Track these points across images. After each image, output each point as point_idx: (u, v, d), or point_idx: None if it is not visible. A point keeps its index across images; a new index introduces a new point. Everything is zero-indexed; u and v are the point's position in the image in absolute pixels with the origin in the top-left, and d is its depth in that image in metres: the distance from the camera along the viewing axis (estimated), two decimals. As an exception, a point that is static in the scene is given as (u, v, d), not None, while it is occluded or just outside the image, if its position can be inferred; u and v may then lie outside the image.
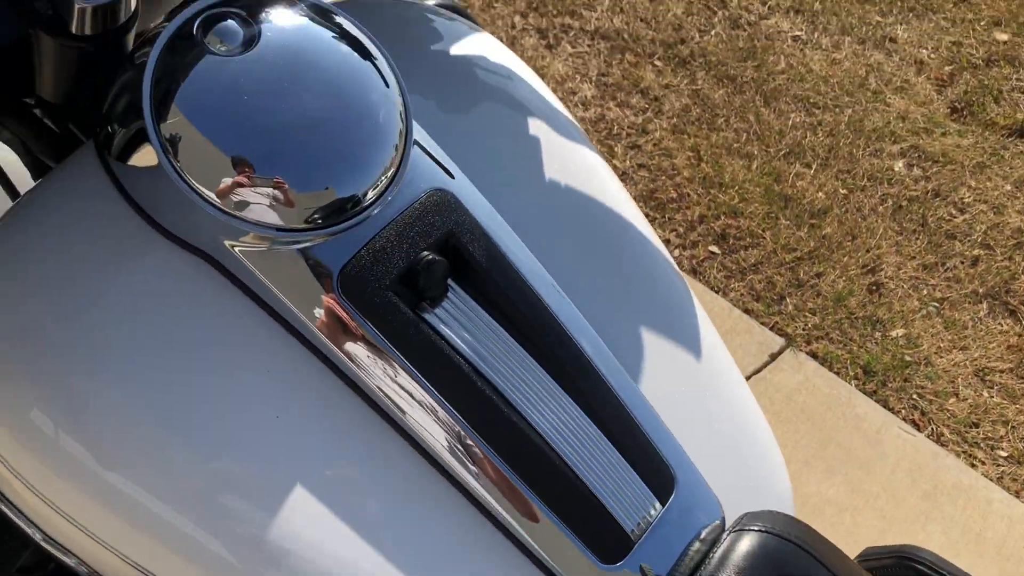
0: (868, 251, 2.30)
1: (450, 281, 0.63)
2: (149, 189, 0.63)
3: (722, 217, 2.33)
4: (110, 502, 0.62)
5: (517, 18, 2.81)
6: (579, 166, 0.76)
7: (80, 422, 0.62)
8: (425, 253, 0.61)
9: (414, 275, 0.61)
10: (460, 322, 0.62)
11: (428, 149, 0.67)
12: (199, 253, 0.62)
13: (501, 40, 2.65)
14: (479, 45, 0.80)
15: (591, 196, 0.74)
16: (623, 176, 2.44)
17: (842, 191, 2.44)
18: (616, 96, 2.61)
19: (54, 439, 0.62)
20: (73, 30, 0.64)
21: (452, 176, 0.66)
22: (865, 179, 2.47)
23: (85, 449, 0.62)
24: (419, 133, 0.66)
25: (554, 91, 2.57)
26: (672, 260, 0.77)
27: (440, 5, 1.05)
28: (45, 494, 0.63)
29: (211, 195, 0.58)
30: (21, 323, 0.64)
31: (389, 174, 0.62)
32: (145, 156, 0.63)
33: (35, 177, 0.82)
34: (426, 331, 0.61)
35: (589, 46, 2.76)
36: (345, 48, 0.62)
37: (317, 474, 0.60)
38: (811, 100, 2.68)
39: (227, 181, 0.58)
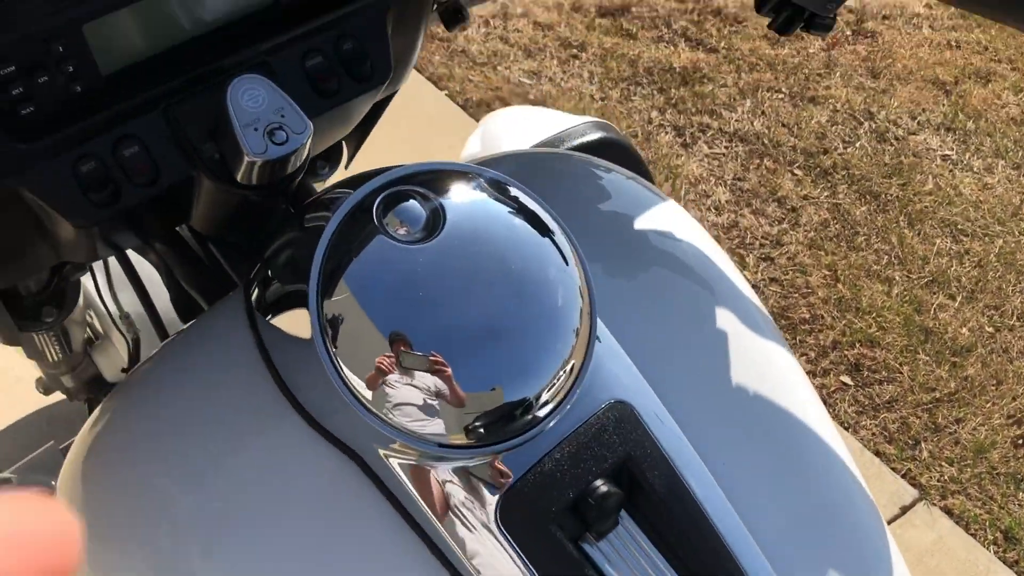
0: (1015, 399, 2.12)
1: (623, 511, 0.55)
2: (295, 361, 0.57)
3: (857, 346, 2.19)
4: None
5: (654, 113, 2.75)
6: (769, 369, 0.67)
7: None
8: (599, 483, 0.54)
9: (583, 506, 0.53)
10: (628, 562, 0.54)
11: (606, 349, 0.59)
12: (340, 445, 0.55)
13: (635, 136, 2.59)
14: (661, 214, 0.73)
15: (782, 407, 0.65)
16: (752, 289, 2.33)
17: (988, 329, 2.27)
18: (751, 203, 2.51)
19: None
20: (239, 179, 0.60)
21: (632, 382, 0.58)
22: (1015, 318, 2.30)
23: None
24: (599, 330, 0.59)
25: (686, 194, 2.49)
26: (864, 483, 0.67)
27: (605, 141, 0.98)
28: None
29: (365, 393, 0.52)
30: (139, 482, 0.59)
31: (569, 368, 0.54)
32: (296, 322, 0.58)
33: (177, 305, 0.78)
34: (589, 573, 0.53)
35: (726, 148, 2.68)
36: (525, 230, 0.56)
37: None
38: (959, 226, 2.53)
39: (385, 378, 0.51)
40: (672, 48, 3.01)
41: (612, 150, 0.96)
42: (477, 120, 2.39)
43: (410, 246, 0.52)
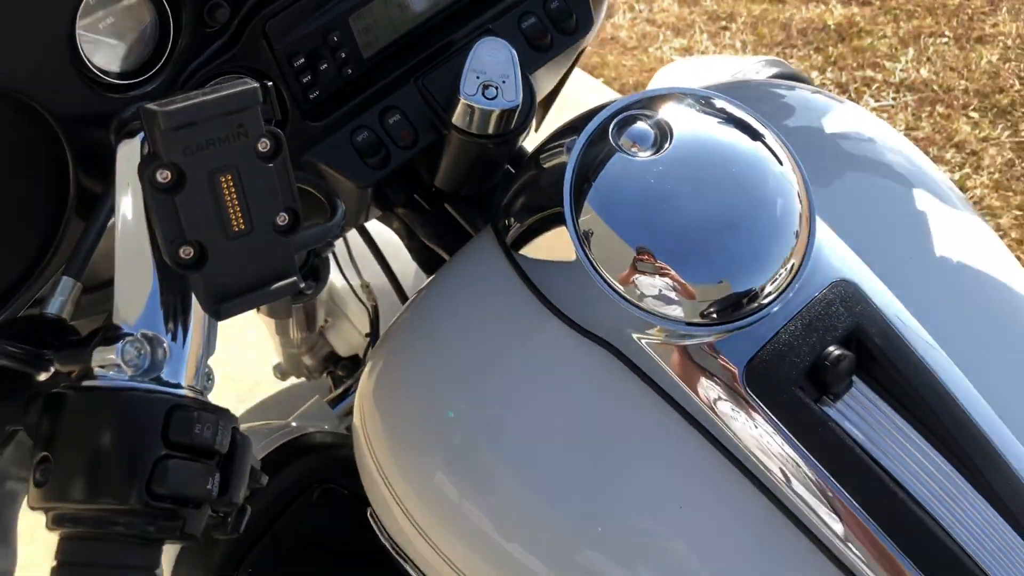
0: None
1: (854, 376, 0.61)
2: (553, 279, 0.66)
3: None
4: (509, 573, 0.64)
5: (814, 73, 2.73)
6: (969, 240, 0.71)
7: (483, 492, 0.65)
8: (831, 348, 0.60)
9: (820, 370, 0.60)
10: (865, 418, 0.60)
11: (825, 236, 0.65)
12: (601, 342, 0.64)
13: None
14: (848, 117, 0.78)
15: (986, 272, 0.69)
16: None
17: None
18: (928, 151, 2.45)
19: (458, 505, 0.66)
20: (453, 120, 0.70)
21: (853, 264, 0.64)
22: None
23: (487, 519, 0.65)
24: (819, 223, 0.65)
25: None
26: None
27: (782, 75, 1.03)
28: (448, 555, 0.67)
29: (622, 288, 0.60)
30: (431, 397, 0.69)
31: (790, 266, 0.61)
32: (551, 248, 0.66)
33: (420, 260, 0.89)
34: (833, 427, 0.59)
35: (894, 99, 2.62)
36: (747, 143, 0.63)
37: (722, 570, 0.60)
38: None
39: (635, 275, 0.59)
40: (824, 6, 2.97)
41: (790, 81, 1.00)
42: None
43: (640, 159, 0.60)
